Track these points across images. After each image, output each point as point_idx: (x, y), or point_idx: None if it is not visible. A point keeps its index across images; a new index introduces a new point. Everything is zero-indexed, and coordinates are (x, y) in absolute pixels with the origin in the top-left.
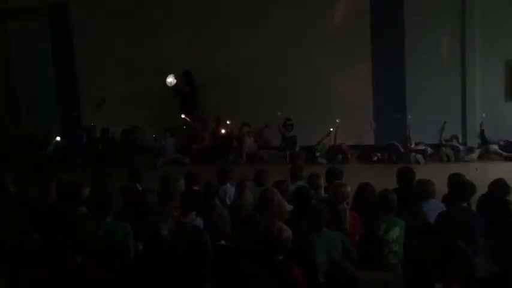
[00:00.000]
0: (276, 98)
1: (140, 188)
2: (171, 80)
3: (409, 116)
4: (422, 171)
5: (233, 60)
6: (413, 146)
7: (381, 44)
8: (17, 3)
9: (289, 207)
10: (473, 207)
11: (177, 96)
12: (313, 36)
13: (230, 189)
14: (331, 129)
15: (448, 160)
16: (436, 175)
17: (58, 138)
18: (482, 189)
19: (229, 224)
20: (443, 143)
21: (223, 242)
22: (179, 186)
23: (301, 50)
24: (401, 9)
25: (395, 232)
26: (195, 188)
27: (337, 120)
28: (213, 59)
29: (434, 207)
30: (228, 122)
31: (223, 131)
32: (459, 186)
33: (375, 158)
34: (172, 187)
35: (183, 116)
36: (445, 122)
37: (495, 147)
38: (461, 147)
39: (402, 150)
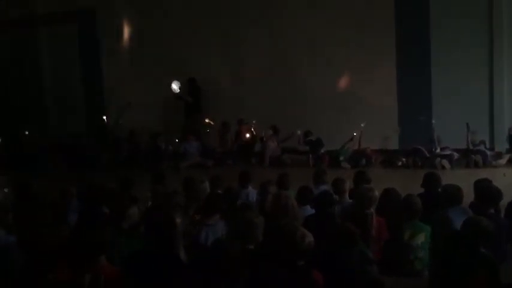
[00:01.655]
0: (299, 101)
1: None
2: (175, 86)
3: (434, 121)
4: (449, 177)
5: (254, 63)
6: (438, 150)
7: (405, 46)
8: (46, 9)
9: (311, 211)
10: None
11: (181, 101)
12: (336, 38)
13: (252, 192)
14: (355, 134)
15: (476, 166)
16: (463, 180)
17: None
18: (510, 195)
19: (256, 229)
20: (471, 147)
21: (251, 247)
22: (204, 188)
23: (324, 52)
24: (427, 10)
25: (421, 238)
26: (219, 191)
27: (362, 125)
28: (236, 63)
29: (460, 213)
30: (254, 122)
31: (247, 135)
32: (485, 192)
33: (400, 163)
34: (197, 189)
35: (206, 120)
36: (467, 125)
37: None
38: (488, 153)
39: (427, 155)
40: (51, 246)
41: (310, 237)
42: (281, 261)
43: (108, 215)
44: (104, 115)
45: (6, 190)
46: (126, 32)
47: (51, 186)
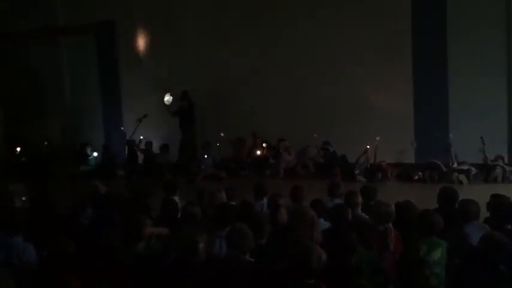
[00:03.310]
0: (314, 114)
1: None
2: (168, 98)
3: (451, 135)
4: (466, 192)
5: (269, 76)
6: (455, 165)
7: (422, 60)
8: (66, 21)
9: (326, 224)
10: None
11: (175, 115)
12: (353, 52)
13: (267, 205)
14: (368, 147)
15: (494, 181)
16: (481, 196)
17: (95, 154)
18: None
19: (252, 239)
20: (489, 163)
21: (250, 258)
22: (221, 197)
23: (340, 66)
24: (443, 24)
25: (437, 254)
26: (232, 202)
27: (377, 138)
28: (251, 76)
29: (477, 229)
30: (264, 145)
31: (258, 152)
32: (501, 208)
33: (416, 177)
34: (214, 199)
35: (222, 134)
36: (482, 139)
37: None
38: (507, 168)
39: (444, 169)
40: (60, 255)
41: (324, 255)
42: (292, 278)
43: (120, 223)
44: (122, 126)
45: (24, 198)
46: (145, 43)
47: (67, 194)
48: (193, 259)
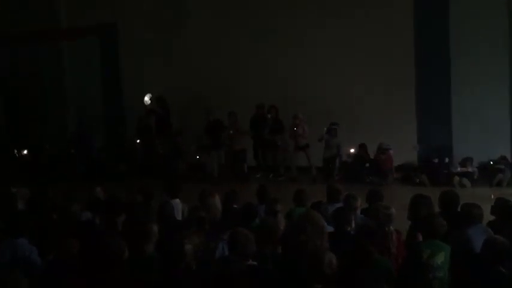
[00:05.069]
0: (318, 118)
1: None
2: (147, 99)
3: (453, 138)
4: (469, 195)
5: (269, 76)
6: (458, 168)
7: (425, 63)
8: (69, 23)
9: (329, 228)
10: None
11: (150, 116)
12: (355, 55)
13: (265, 211)
14: (352, 150)
15: (498, 185)
16: (483, 199)
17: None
18: None
19: (254, 243)
20: (491, 164)
21: (253, 262)
22: (214, 202)
23: (343, 69)
24: (446, 30)
25: (440, 257)
26: (235, 206)
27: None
28: (253, 76)
29: (480, 232)
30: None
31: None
32: (505, 211)
33: (418, 180)
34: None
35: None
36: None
37: None
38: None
39: (446, 172)
40: (67, 256)
41: (335, 260)
42: (300, 282)
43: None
44: (124, 126)
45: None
46: (146, 45)
47: (68, 196)
48: (181, 263)
